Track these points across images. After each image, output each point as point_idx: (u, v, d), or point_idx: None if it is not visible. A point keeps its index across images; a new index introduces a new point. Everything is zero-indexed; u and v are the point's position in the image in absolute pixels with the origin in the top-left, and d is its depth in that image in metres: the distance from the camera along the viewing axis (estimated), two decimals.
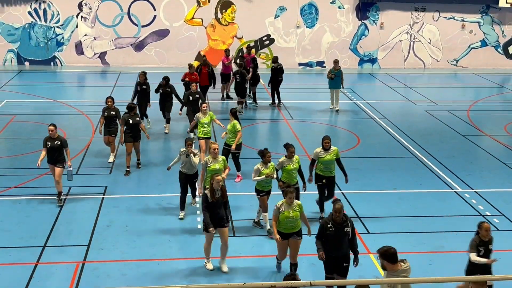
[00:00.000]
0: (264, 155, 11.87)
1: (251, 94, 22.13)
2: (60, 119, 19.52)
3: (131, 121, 14.74)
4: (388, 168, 15.79)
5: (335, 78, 20.68)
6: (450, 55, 30.28)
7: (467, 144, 17.95)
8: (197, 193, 12.92)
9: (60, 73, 27.68)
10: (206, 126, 15.17)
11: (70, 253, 11.07)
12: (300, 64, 29.60)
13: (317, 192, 12.65)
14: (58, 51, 28.32)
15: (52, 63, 28.38)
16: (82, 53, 28.43)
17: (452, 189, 14.45)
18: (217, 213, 10.30)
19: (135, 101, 17.33)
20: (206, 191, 10.33)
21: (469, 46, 30.27)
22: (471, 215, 13.00)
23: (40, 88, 23.95)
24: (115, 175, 14.73)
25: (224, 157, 12.29)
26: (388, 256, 7.79)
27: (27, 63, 28.22)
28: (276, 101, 21.73)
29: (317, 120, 20.32)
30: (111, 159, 15.51)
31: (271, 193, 12.15)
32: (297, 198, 11.54)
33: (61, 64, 28.43)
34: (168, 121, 18.29)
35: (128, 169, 14.82)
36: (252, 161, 15.12)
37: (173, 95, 18.11)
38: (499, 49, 30.50)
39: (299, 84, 26.11)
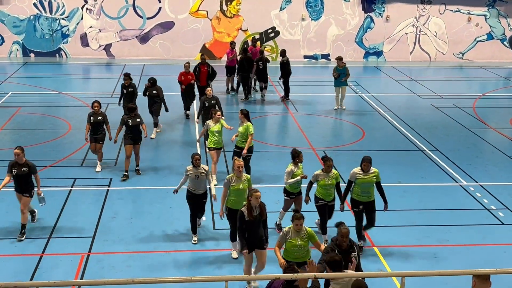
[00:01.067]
0: (297, 155, 11.27)
1: (254, 87, 22.14)
2: (65, 111, 19.57)
3: (130, 123, 13.90)
4: (393, 161, 15.76)
5: (341, 76, 20.09)
6: (456, 48, 30.13)
7: (472, 138, 17.89)
8: (202, 218, 11.91)
9: (65, 65, 27.69)
10: (216, 135, 13.78)
11: (75, 244, 11.10)
12: (305, 57, 29.52)
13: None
14: (63, 43, 28.32)
15: (57, 55, 28.39)
16: (87, 45, 28.42)
17: (457, 182, 14.41)
18: (254, 233, 9.24)
19: (121, 104, 16.98)
20: (243, 209, 9.28)
21: (475, 39, 30.12)
22: (476, 209, 12.97)
23: (45, 80, 23.98)
24: (120, 166, 14.73)
25: (249, 176, 10.79)
26: (331, 264, 7.41)
27: (32, 55, 28.24)
28: (283, 95, 21.73)
29: (322, 113, 20.28)
30: (98, 169, 14.40)
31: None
32: (330, 216, 11.22)
33: (66, 56, 28.43)
34: (155, 125, 17.13)
35: (126, 173, 14.00)
36: (257, 154, 15.13)
37: (161, 98, 17.05)
38: (505, 42, 30.34)
39: (304, 77, 26.05)
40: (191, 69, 18.91)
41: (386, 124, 19.13)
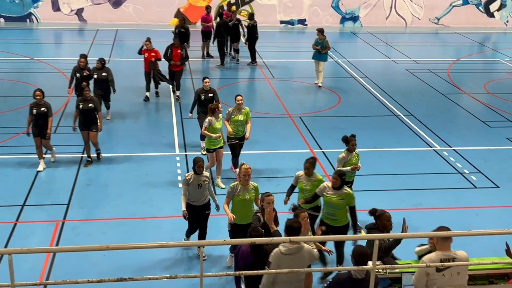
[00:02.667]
0: (348, 141, 10.37)
1: (232, 51, 21.93)
2: (37, 77, 19.19)
3: (81, 106, 12.62)
4: (369, 126, 15.84)
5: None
6: (431, 13, 30.14)
7: (446, 103, 18.04)
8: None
9: (36, 30, 27.04)
10: (219, 133, 11.97)
11: (50, 212, 11.02)
12: (281, 22, 29.27)
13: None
14: (34, 8, 27.60)
15: (28, 20, 27.70)
16: (58, 9, 27.75)
17: (431, 147, 14.58)
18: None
19: (72, 90, 15.16)
20: (259, 214, 8.31)
21: (450, 4, 30.15)
22: (449, 173, 13.16)
23: (16, 45, 23.42)
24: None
25: (256, 185, 9.16)
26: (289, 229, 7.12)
27: (2, 20, 27.50)
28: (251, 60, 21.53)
29: (299, 79, 20.22)
30: (40, 168, 12.62)
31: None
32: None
33: (37, 21, 27.77)
34: (108, 107, 15.63)
35: (89, 159, 13.00)
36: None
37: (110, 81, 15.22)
38: (480, 7, 30.42)
39: (280, 42, 25.88)
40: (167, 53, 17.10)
41: (362, 90, 19.17)
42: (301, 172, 9.68)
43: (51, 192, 11.72)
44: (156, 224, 10.78)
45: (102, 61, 15.07)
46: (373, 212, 8.18)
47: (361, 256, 6.51)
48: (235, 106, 12.26)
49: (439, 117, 16.71)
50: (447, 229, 6.70)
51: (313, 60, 19.16)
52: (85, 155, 13.17)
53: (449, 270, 6.37)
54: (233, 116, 12.25)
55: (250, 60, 21.52)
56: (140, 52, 17.00)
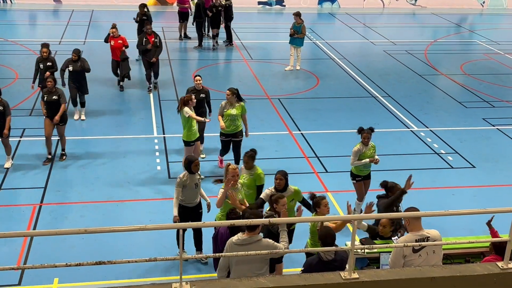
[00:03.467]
0: (362, 133, 10.24)
1: (212, 38, 21.72)
2: (11, 59, 18.83)
3: (45, 98, 11.85)
4: (346, 108, 15.89)
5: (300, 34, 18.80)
6: None
7: (424, 84, 18.15)
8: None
9: (10, 10, 26.49)
10: (195, 124, 11.35)
11: (26, 195, 10.90)
12: (259, 3, 29.08)
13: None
14: None
15: (1, 1, 27.11)
16: None
17: (408, 128, 14.68)
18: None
19: (36, 84, 14.00)
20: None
21: None
22: (426, 153, 13.29)
23: None
24: (70, 116, 14.38)
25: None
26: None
27: None
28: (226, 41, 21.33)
29: (277, 60, 20.15)
30: (7, 165, 11.83)
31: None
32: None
33: (11, 2, 27.19)
34: (82, 105, 14.39)
35: (49, 156, 12.07)
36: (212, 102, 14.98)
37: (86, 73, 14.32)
38: None
39: (258, 24, 25.73)
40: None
41: (340, 71, 19.19)
42: (242, 166, 9.37)
43: (27, 175, 11.58)
44: (134, 207, 10.73)
45: (77, 53, 13.95)
46: (384, 184, 8.65)
47: (327, 237, 6.57)
48: (227, 100, 11.39)
49: (416, 98, 16.82)
50: (416, 209, 6.80)
51: (289, 44, 18.88)
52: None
53: (424, 250, 6.47)
54: (225, 110, 11.39)
55: (226, 40, 21.34)
56: (107, 39, 16.20)
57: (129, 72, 16.35)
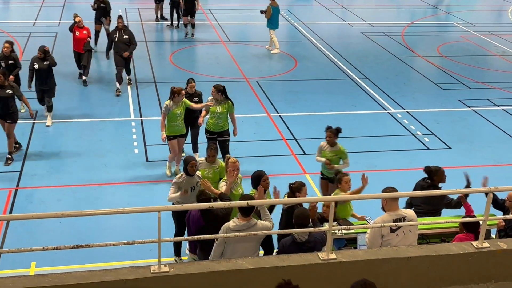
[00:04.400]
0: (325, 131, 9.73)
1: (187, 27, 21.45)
2: None
3: None
4: (324, 90, 15.92)
5: (272, 16, 18.73)
6: None
7: (401, 66, 18.25)
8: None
9: None
10: (179, 119, 10.72)
11: (2, 179, 10.75)
12: None
13: None
14: None
15: None
16: None
17: (386, 109, 14.78)
18: None
19: None
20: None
21: None
22: (403, 135, 13.40)
23: None
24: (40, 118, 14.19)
25: (241, 176, 8.56)
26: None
27: None
28: (175, 23, 20.94)
29: (255, 42, 20.06)
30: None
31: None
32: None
33: None
34: (50, 109, 12.97)
35: (9, 156, 11.29)
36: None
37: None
38: None
39: (235, 5, 25.54)
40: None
41: (318, 53, 19.18)
42: (202, 159, 9.07)
43: (2, 159, 11.41)
44: (112, 190, 10.67)
45: (44, 51, 12.55)
46: (428, 169, 8.61)
47: (301, 218, 6.61)
48: (212, 96, 10.68)
49: (393, 80, 16.91)
50: (394, 189, 6.87)
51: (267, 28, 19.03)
52: (37, 120, 12.74)
53: (401, 229, 6.56)
54: (210, 107, 10.77)
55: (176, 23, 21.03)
56: (72, 29, 15.15)
57: (88, 64, 15.17)
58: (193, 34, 19.86)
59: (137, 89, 15.22)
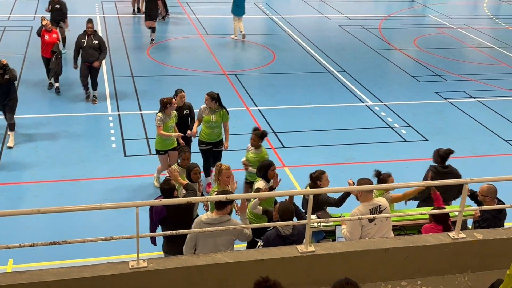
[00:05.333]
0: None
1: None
2: None
3: None
4: (302, 83, 15.95)
5: (239, 3, 19.05)
6: None
7: (378, 59, 18.36)
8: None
9: None
10: (171, 132, 10.12)
11: None
12: None
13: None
14: None
15: None
16: None
17: (363, 102, 14.87)
18: None
19: None
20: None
21: None
22: (380, 127, 13.50)
23: None
24: (20, 93, 13.98)
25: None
26: None
27: None
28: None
29: (233, 35, 19.98)
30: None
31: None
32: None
33: None
34: (12, 127, 11.72)
35: None
36: (168, 78, 14.79)
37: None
38: None
39: None
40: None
41: (296, 46, 19.20)
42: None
43: None
44: (89, 186, 10.58)
45: (2, 65, 11.20)
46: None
47: (285, 213, 6.64)
48: (206, 104, 10.12)
49: (371, 73, 17.01)
50: (369, 180, 7.13)
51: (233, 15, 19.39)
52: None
53: (378, 218, 6.69)
54: (204, 115, 10.12)
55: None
56: (39, 33, 14.01)
57: (60, 70, 14.02)
58: (152, 40, 18.30)
59: (114, 83, 15.10)
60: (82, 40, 13.30)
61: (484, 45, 20.22)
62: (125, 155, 11.64)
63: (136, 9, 21.65)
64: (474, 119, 14.10)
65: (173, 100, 10.03)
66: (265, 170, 8.07)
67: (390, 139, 12.98)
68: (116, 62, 16.56)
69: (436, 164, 8.90)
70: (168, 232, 6.02)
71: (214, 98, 10.05)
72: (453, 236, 6.32)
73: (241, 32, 19.24)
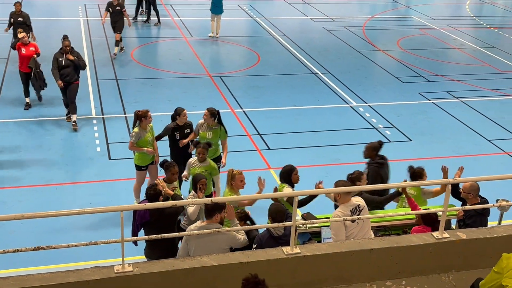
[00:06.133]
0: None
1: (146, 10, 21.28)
2: None
3: None
4: (287, 85, 15.99)
5: (217, 3, 19.19)
6: None
7: (362, 60, 18.45)
8: None
9: None
10: (149, 146, 9.61)
11: None
12: None
13: None
14: None
15: None
16: None
17: (348, 103, 14.93)
18: None
19: None
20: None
21: None
22: (365, 128, 13.57)
23: None
24: (2, 98, 13.89)
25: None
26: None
27: None
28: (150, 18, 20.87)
29: (218, 38, 19.98)
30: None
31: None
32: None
33: None
34: None
35: None
36: (154, 81, 14.71)
37: None
38: None
39: (197, 0, 25.40)
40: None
41: (280, 48, 19.24)
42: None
43: None
44: (74, 190, 10.52)
45: None
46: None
47: (277, 214, 6.67)
48: (204, 119, 9.72)
49: (355, 74, 17.10)
50: (347, 182, 7.46)
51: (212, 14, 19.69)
52: None
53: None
54: (200, 131, 9.72)
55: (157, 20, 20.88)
56: (15, 46, 13.20)
57: (43, 83, 13.25)
58: (115, 54, 17.14)
59: (98, 86, 15.02)
60: (60, 59, 12.24)
61: (467, 46, 20.41)
62: (109, 159, 11.58)
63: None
64: (457, 119, 14.23)
65: (149, 113, 9.51)
66: (288, 175, 8.06)
67: (375, 139, 12.95)
68: (100, 65, 16.48)
69: (372, 160, 9.06)
70: (153, 236, 6.00)
71: (214, 115, 9.63)
72: (437, 236, 6.37)
73: (216, 33, 19.67)
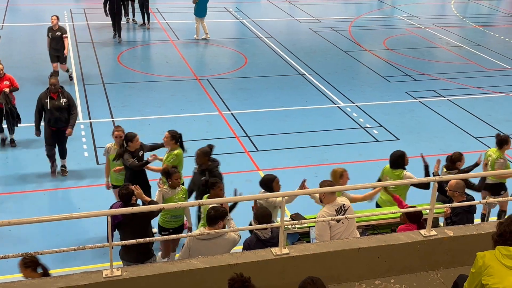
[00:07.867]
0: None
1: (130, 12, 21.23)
2: None
3: None
4: (275, 86, 16.01)
5: (200, 4, 19.44)
6: None
7: (349, 60, 18.52)
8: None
9: None
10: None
11: None
12: None
13: None
14: None
15: None
16: None
17: (335, 104, 14.98)
18: None
19: None
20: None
21: None
22: (352, 128, 13.62)
23: None
24: None
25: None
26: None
27: None
28: (146, 21, 20.82)
29: (204, 40, 19.99)
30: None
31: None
32: None
33: None
34: None
35: None
36: (142, 84, 14.68)
37: None
38: None
39: (183, 3, 25.38)
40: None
41: (267, 50, 19.27)
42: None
43: None
44: (62, 195, 10.48)
45: None
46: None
47: (264, 217, 6.67)
48: (164, 142, 9.06)
49: (342, 75, 17.15)
50: (332, 182, 7.46)
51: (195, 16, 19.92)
52: None
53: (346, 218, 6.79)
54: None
55: (142, 22, 20.85)
56: None
57: (15, 120, 11.80)
58: (70, 77, 15.66)
59: (85, 90, 14.96)
60: (46, 101, 10.41)
61: (453, 44, 20.55)
62: (97, 163, 11.53)
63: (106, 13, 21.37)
64: (444, 118, 14.31)
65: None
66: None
67: (363, 139, 13.10)
68: (87, 69, 16.42)
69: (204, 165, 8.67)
70: (142, 240, 5.99)
71: (175, 138, 8.85)
72: (424, 234, 6.41)
73: (205, 34, 19.80)
